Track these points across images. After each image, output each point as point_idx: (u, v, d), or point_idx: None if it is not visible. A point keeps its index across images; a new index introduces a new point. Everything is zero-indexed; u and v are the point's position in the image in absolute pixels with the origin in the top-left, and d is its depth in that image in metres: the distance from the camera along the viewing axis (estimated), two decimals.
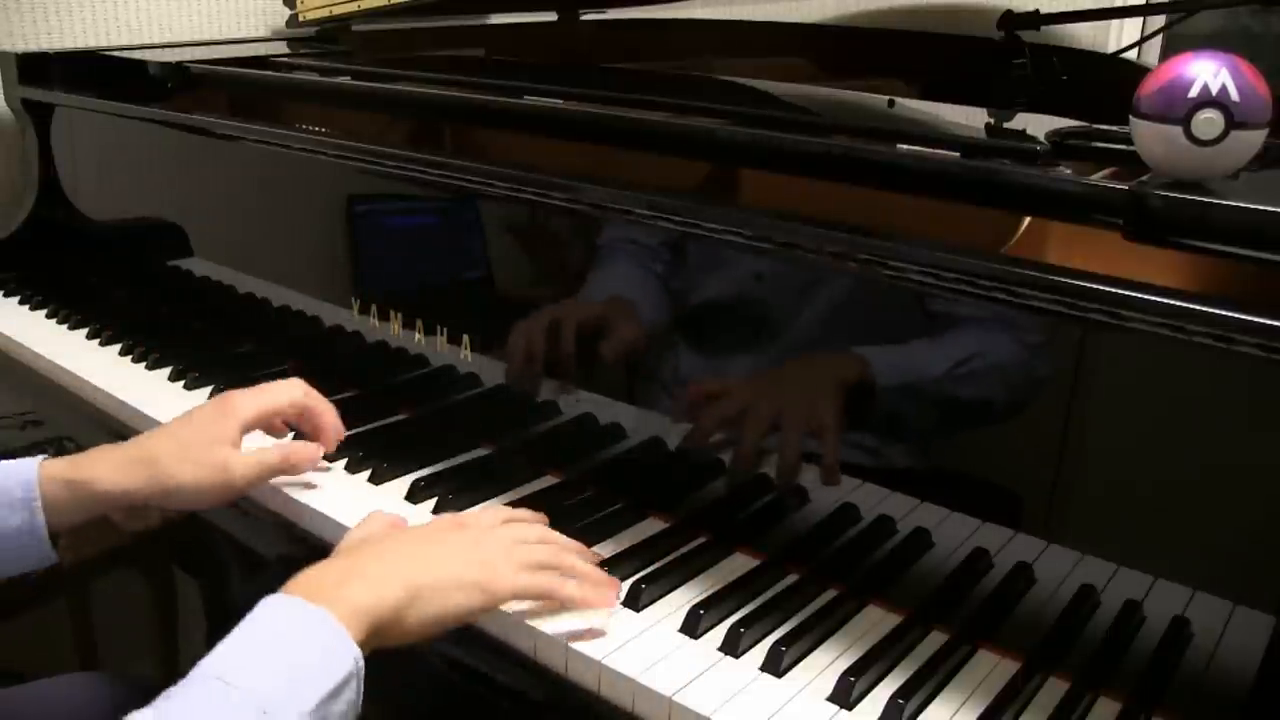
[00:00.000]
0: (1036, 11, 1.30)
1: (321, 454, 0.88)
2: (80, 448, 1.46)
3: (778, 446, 0.80)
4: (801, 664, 0.69)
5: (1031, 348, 0.68)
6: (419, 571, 0.65)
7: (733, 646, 0.69)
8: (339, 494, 0.89)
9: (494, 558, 0.69)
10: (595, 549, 0.80)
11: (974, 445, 0.73)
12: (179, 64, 1.39)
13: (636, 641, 0.70)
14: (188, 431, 0.82)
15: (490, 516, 0.75)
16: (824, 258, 0.73)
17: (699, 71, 1.40)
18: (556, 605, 0.71)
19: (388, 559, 0.66)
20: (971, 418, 0.72)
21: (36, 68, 1.47)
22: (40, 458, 0.81)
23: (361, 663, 0.60)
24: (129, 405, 1.08)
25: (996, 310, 0.67)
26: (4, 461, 0.80)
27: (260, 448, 0.84)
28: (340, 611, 0.60)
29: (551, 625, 0.71)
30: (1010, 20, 1.30)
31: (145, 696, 0.56)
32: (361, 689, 0.60)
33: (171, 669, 1.57)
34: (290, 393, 0.88)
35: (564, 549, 0.74)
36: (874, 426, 0.76)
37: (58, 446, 1.48)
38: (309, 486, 0.90)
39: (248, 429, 0.84)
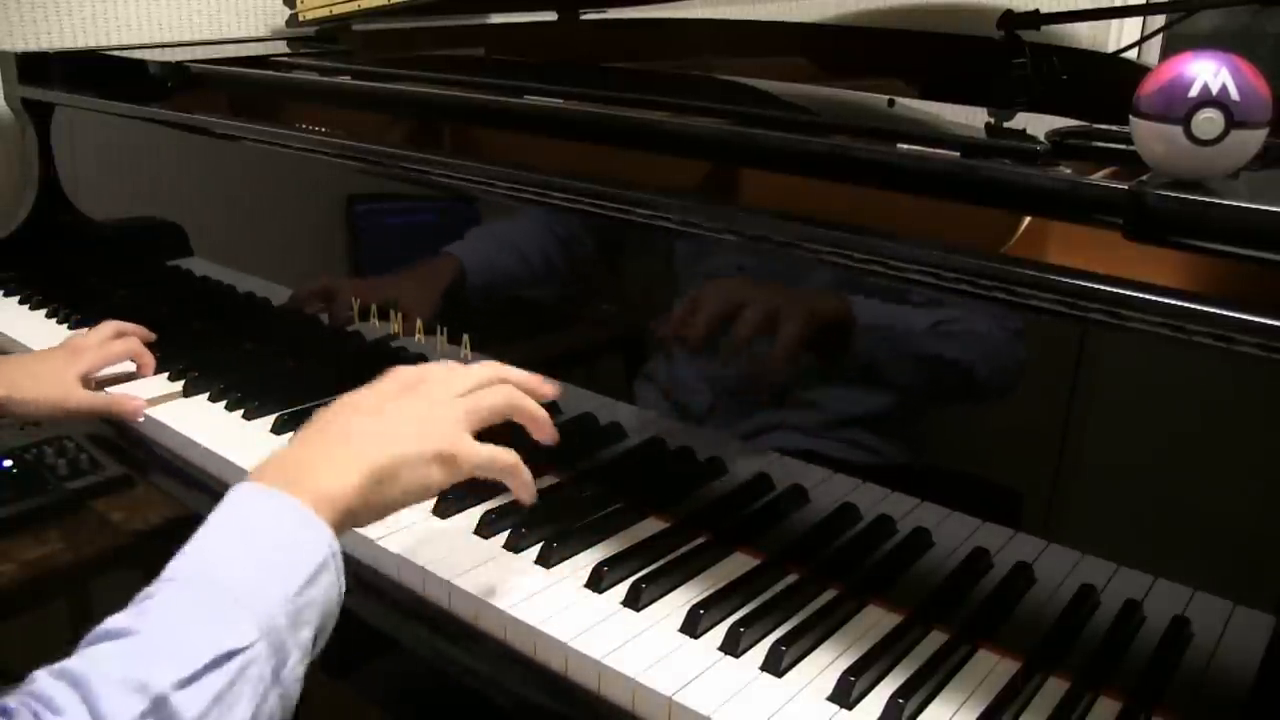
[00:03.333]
0: (1036, 11, 1.30)
1: (142, 412, 1.06)
2: (79, 447, 1.47)
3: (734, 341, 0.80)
4: (801, 664, 0.69)
5: (1012, 331, 0.68)
6: (379, 453, 0.65)
7: (733, 646, 0.69)
8: None
9: (449, 425, 0.69)
10: (594, 549, 0.81)
11: (974, 444, 0.73)
12: (179, 64, 1.39)
13: (636, 641, 0.70)
14: (39, 365, 1.05)
15: (442, 373, 0.74)
16: (822, 257, 0.73)
17: (699, 71, 1.40)
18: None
19: (348, 442, 0.66)
20: (950, 383, 0.72)
21: (36, 67, 1.47)
22: None
23: (336, 546, 0.61)
24: None
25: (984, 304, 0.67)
26: None
27: (93, 394, 1.05)
28: (309, 499, 0.61)
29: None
30: (1010, 20, 1.30)
31: None
32: (342, 574, 0.61)
33: None
34: (123, 348, 1.10)
35: (517, 392, 0.74)
36: (850, 366, 0.76)
37: (58, 446, 1.48)
38: None
39: (87, 375, 1.05)
